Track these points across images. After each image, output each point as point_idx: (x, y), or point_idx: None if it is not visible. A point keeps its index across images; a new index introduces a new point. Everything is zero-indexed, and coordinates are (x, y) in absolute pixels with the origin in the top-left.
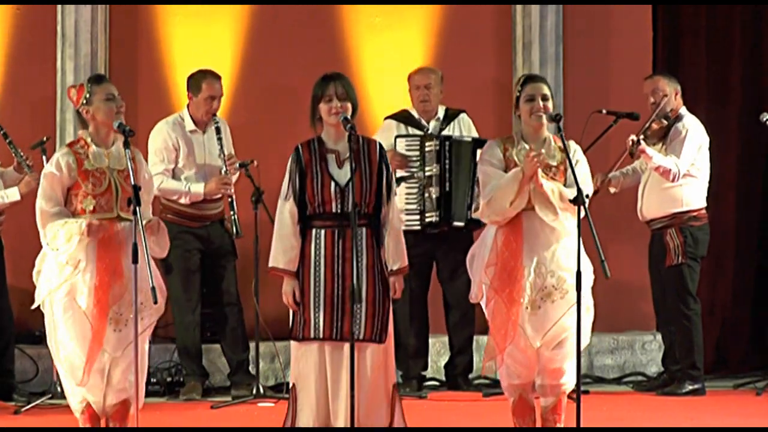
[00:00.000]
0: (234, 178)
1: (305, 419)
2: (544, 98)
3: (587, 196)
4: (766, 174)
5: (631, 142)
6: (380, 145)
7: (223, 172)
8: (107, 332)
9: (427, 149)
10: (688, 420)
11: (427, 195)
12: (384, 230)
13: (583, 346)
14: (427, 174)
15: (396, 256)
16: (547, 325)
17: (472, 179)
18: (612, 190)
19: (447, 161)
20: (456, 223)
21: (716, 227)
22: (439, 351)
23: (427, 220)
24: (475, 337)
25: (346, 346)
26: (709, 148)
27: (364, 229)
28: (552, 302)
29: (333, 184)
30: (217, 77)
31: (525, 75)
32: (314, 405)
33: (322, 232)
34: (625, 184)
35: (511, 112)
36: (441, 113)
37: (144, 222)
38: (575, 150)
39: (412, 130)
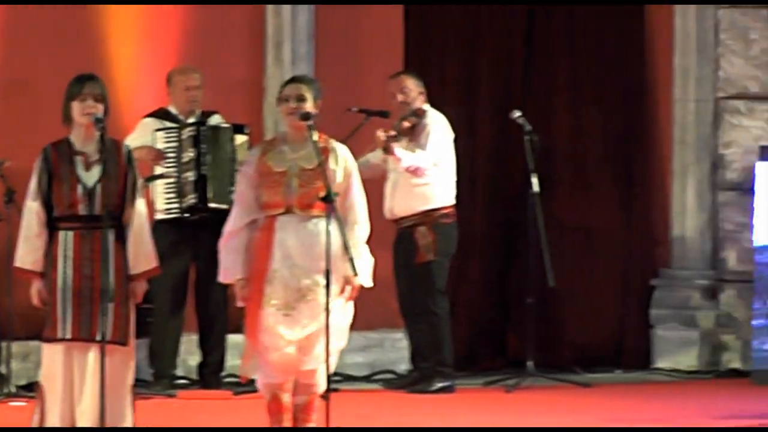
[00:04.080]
0: None
1: (53, 420)
2: (300, 99)
3: (336, 194)
4: (515, 173)
5: (384, 137)
6: (127, 146)
7: None
8: None
9: (183, 137)
10: (438, 417)
11: (183, 180)
12: (127, 232)
13: (341, 346)
14: (183, 160)
15: (137, 259)
16: (301, 325)
17: (232, 164)
18: None
19: (204, 146)
20: (213, 205)
21: (465, 225)
22: (189, 350)
23: (185, 204)
24: (227, 336)
25: (94, 347)
26: (459, 147)
27: (112, 231)
28: (306, 303)
29: (80, 186)
30: None
31: (292, 76)
32: (60, 406)
33: (70, 234)
34: (367, 175)
35: (262, 111)
36: (197, 113)
37: None
38: (338, 149)
39: (170, 125)
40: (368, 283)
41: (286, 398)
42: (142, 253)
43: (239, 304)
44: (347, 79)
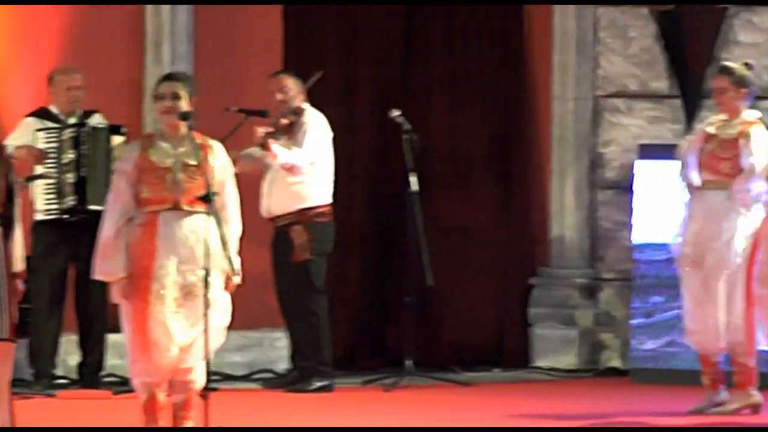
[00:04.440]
0: None
1: None
2: (175, 97)
3: (215, 194)
4: (394, 172)
5: (262, 134)
6: (2, 145)
7: None
8: None
9: (64, 137)
10: (317, 416)
11: (63, 181)
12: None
13: (218, 345)
14: (63, 161)
15: (16, 259)
16: (189, 323)
17: (110, 165)
18: (235, 170)
19: (83, 147)
20: (93, 207)
21: (344, 225)
22: (69, 349)
23: (65, 205)
24: (107, 336)
25: None
26: (338, 146)
27: None
28: (193, 300)
29: None
30: None
31: (167, 73)
32: None
33: None
34: (248, 168)
35: (142, 111)
36: (78, 113)
37: None
38: (215, 147)
39: (51, 126)
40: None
41: (162, 397)
42: (18, 254)
43: (118, 301)
44: (226, 79)
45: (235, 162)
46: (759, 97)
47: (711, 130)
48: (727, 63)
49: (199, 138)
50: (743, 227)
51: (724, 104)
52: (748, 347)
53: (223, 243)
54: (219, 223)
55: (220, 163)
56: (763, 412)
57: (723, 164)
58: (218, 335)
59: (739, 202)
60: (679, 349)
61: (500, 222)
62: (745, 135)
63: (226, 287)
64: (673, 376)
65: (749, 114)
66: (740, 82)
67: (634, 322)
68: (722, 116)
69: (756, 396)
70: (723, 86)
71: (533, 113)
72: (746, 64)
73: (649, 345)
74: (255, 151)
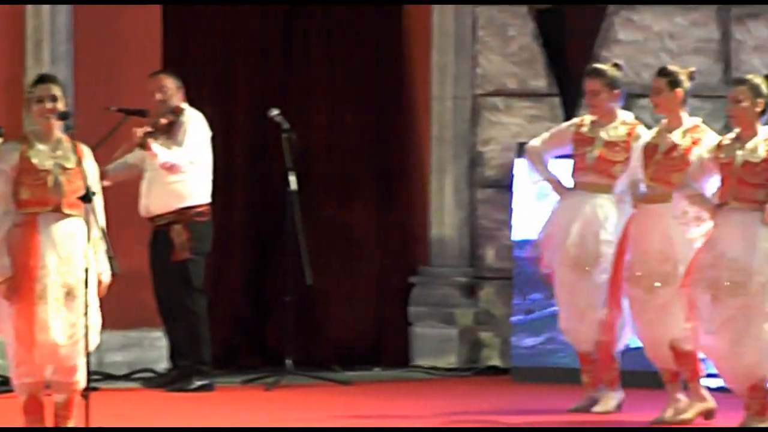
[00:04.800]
0: None
1: None
2: (53, 98)
3: (94, 194)
4: (274, 172)
5: (141, 133)
6: None
7: None
8: None
9: None
10: (198, 416)
11: None
12: None
13: (92, 347)
14: None
15: None
16: (70, 323)
17: None
18: (105, 183)
19: None
20: None
21: (223, 224)
22: None
23: None
24: None
25: None
26: (217, 145)
27: None
28: (74, 301)
29: None
30: None
31: (38, 75)
32: None
33: None
34: (120, 177)
35: (22, 110)
36: None
37: None
38: (86, 150)
39: None
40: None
41: (42, 396)
42: None
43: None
44: (106, 79)
45: (103, 176)
46: (639, 95)
47: (584, 131)
48: (597, 65)
49: (70, 140)
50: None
51: (597, 106)
52: (608, 345)
53: (96, 244)
54: (96, 224)
55: (92, 166)
56: (639, 410)
57: (615, 168)
58: (96, 334)
59: (619, 205)
60: (559, 346)
61: (380, 221)
62: (635, 137)
63: (103, 288)
64: (553, 375)
65: (628, 115)
66: (612, 84)
67: (514, 319)
68: (592, 117)
69: (618, 395)
70: (595, 88)
71: (412, 112)
72: (615, 65)
73: (529, 342)
74: (130, 157)
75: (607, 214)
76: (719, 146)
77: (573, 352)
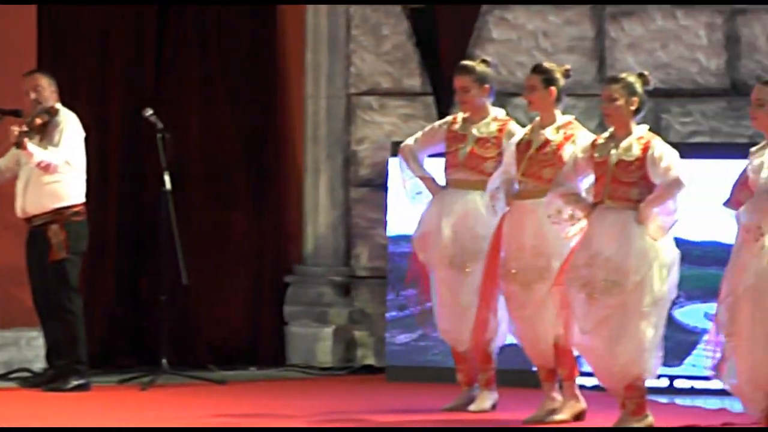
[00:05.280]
0: None
1: None
2: None
3: None
4: (149, 172)
5: (17, 132)
6: None
7: None
8: None
9: None
10: (74, 416)
11: None
12: None
13: None
14: None
15: None
16: None
17: None
18: None
19: None
20: None
21: (98, 224)
22: None
23: None
24: None
25: None
26: (92, 145)
27: None
28: None
29: None
30: None
31: None
32: None
33: None
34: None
35: None
36: None
37: None
38: None
39: None
40: None
41: None
42: None
43: None
44: None
45: None
46: (513, 94)
47: (456, 128)
48: (465, 62)
49: None
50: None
51: (467, 102)
52: (478, 343)
53: None
54: None
55: None
56: (514, 409)
57: (487, 164)
58: None
59: (492, 202)
60: (431, 342)
61: (255, 220)
62: (507, 133)
63: None
64: (427, 374)
65: (499, 111)
66: (482, 79)
67: (388, 315)
68: (464, 114)
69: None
70: (465, 85)
71: (287, 112)
72: (484, 61)
73: (402, 338)
74: (2, 162)
75: (480, 210)
76: (593, 145)
77: (446, 349)
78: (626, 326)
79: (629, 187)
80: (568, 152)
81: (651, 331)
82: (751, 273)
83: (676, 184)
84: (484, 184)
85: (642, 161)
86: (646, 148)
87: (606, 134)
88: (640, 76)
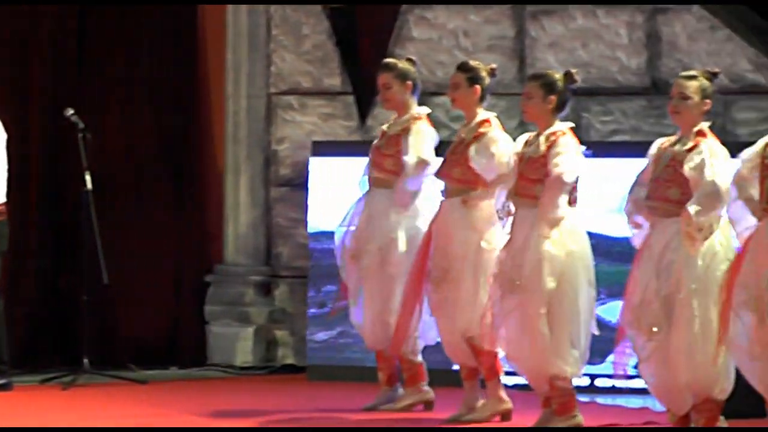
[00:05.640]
0: None
1: None
2: None
3: None
4: (70, 171)
5: None
6: None
7: None
8: None
9: None
10: None
11: None
12: None
13: None
14: None
15: None
16: None
17: None
18: None
19: None
20: None
21: (19, 224)
22: None
23: None
24: None
25: None
26: (13, 145)
27: None
28: None
29: None
30: None
31: None
32: None
33: None
34: None
35: None
36: None
37: None
38: None
39: None
40: None
41: None
42: None
43: None
44: None
45: None
46: (433, 93)
47: (384, 127)
48: (389, 59)
49: None
50: (404, 227)
51: (390, 100)
52: (399, 342)
53: None
54: None
55: None
56: (436, 409)
57: (387, 161)
58: None
59: (398, 201)
60: (350, 340)
61: (175, 220)
62: (407, 131)
63: None
64: (348, 373)
65: (419, 110)
66: (403, 76)
67: (310, 312)
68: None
69: (428, 392)
70: (387, 82)
71: (207, 111)
72: (409, 60)
73: (322, 336)
74: None
75: (387, 210)
76: (526, 142)
77: (366, 347)
78: (526, 325)
79: (534, 184)
80: (473, 152)
81: (550, 330)
82: (695, 273)
83: (557, 181)
84: (384, 182)
85: (546, 158)
86: (550, 146)
87: (535, 132)
88: (566, 74)
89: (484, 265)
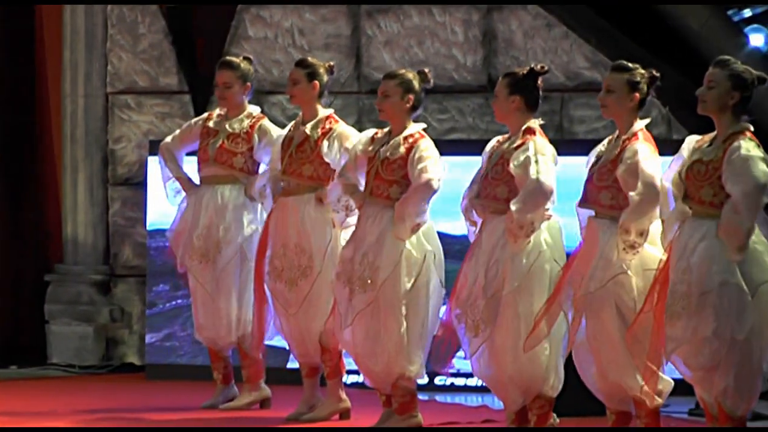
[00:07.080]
0: None
1: None
2: None
3: None
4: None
5: None
6: None
7: None
8: None
9: None
10: None
11: None
12: None
13: None
14: None
15: None
16: None
17: None
18: None
19: None
20: None
21: None
22: None
23: None
24: None
25: None
26: None
27: None
28: None
29: None
30: None
31: None
32: None
33: None
34: None
35: None
36: None
37: None
38: None
39: None
40: None
41: None
42: None
43: None
44: None
45: None
46: (269, 92)
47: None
48: (229, 58)
49: None
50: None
51: (227, 99)
52: (257, 341)
53: None
54: None
55: None
56: (273, 406)
57: (236, 158)
58: None
59: (259, 200)
60: (177, 343)
61: (13, 220)
62: (259, 130)
63: None
64: (186, 372)
65: (253, 109)
66: (245, 77)
67: (149, 311)
68: (221, 111)
69: (265, 390)
70: (228, 81)
71: (45, 111)
72: (247, 59)
73: (149, 338)
74: None
75: (228, 205)
76: (372, 139)
77: (194, 349)
78: (378, 324)
79: (390, 185)
80: (325, 148)
81: (405, 330)
82: (519, 271)
83: (425, 187)
84: (234, 179)
85: (405, 160)
86: (410, 148)
87: (386, 129)
88: (420, 73)
89: None
